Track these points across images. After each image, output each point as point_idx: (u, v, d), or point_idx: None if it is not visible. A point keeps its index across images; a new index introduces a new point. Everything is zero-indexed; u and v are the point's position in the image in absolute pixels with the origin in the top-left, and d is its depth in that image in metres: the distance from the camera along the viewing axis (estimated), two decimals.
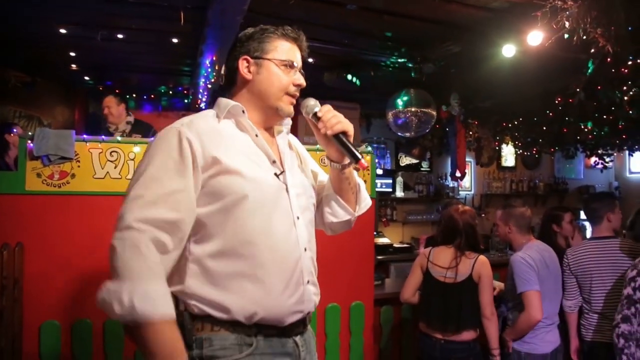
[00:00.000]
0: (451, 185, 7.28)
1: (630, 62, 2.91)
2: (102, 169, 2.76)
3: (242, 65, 1.50)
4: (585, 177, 8.73)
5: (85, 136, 2.74)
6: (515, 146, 6.68)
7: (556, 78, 3.82)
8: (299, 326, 1.50)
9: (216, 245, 1.38)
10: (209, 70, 3.87)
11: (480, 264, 2.81)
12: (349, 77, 4.43)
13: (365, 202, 1.73)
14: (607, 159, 6.40)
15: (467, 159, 6.40)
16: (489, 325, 2.78)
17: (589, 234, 3.76)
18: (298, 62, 1.54)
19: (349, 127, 1.52)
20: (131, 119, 4.12)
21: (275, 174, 1.49)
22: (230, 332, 1.37)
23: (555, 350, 2.92)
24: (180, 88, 5.57)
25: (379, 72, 4.60)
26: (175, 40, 3.86)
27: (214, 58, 3.60)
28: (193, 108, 5.62)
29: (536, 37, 2.96)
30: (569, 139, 5.79)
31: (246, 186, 1.39)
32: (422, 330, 2.89)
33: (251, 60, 1.50)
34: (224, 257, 1.38)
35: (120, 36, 3.89)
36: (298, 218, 1.50)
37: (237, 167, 1.39)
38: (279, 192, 1.47)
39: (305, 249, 1.51)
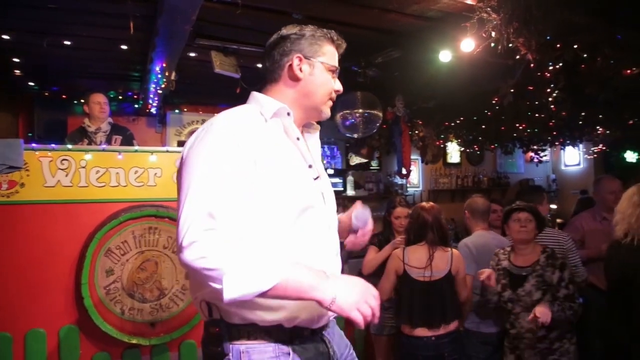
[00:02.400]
0: (400, 182, 7.56)
1: (551, 67, 3.20)
2: (53, 177, 2.78)
3: (296, 62, 1.47)
4: (526, 171, 9.24)
5: (34, 145, 2.75)
6: (458, 144, 7.04)
7: (489, 81, 4.11)
8: (326, 324, 1.52)
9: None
10: (159, 76, 3.91)
11: (456, 259, 2.93)
12: None
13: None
14: (542, 154, 6.86)
15: (413, 157, 6.69)
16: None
17: None
18: (338, 69, 1.56)
19: None
20: (111, 120, 4.08)
21: (314, 179, 1.50)
22: (267, 342, 1.36)
23: (500, 332, 3.12)
24: (130, 93, 5.53)
25: None
26: (124, 47, 3.87)
27: (164, 65, 3.65)
28: (143, 113, 5.60)
29: (468, 44, 3.19)
30: (506, 136, 6.19)
31: (297, 193, 1.40)
32: (408, 333, 2.88)
33: (304, 60, 1.48)
34: None
35: (67, 43, 3.86)
36: (332, 225, 1.55)
37: (288, 176, 1.39)
38: (318, 197, 1.49)
39: (337, 254, 1.55)
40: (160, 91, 4.35)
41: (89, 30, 3.62)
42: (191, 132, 5.95)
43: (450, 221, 7.20)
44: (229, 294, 1.18)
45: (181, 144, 4.97)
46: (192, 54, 3.84)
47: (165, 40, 3.12)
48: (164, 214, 2.88)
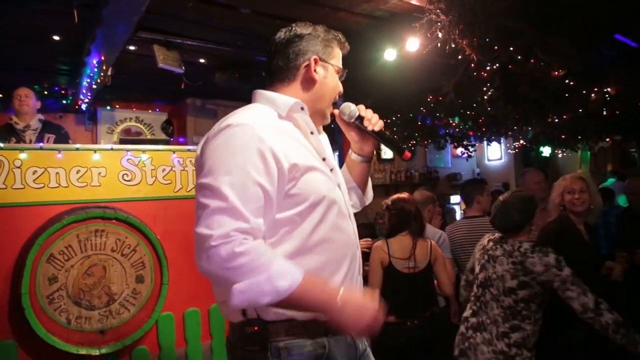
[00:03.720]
0: None
1: (488, 68, 3.41)
2: None
3: (314, 64, 1.46)
4: (453, 165, 9.74)
5: None
6: None
7: (430, 79, 4.28)
8: None
9: (294, 245, 1.36)
10: (95, 70, 3.67)
11: (435, 248, 3.00)
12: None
13: (371, 193, 1.80)
14: (471, 149, 7.28)
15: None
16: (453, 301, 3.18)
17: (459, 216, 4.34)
18: (345, 72, 1.57)
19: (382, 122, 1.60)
20: (42, 117, 3.76)
21: (330, 171, 1.50)
22: (305, 337, 1.37)
23: None
24: (56, 88, 5.13)
25: None
26: (56, 38, 3.60)
27: (102, 58, 3.44)
28: (71, 109, 5.25)
29: (414, 43, 3.31)
30: (439, 132, 6.49)
31: (322, 187, 1.40)
32: (391, 321, 2.86)
33: (319, 62, 1.47)
34: (301, 255, 1.36)
35: None
36: (350, 214, 1.54)
37: (313, 170, 1.39)
38: (336, 189, 1.49)
39: (358, 245, 1.56)
40: (95, 86, 4.08)
41: (17, 19, 3.33)
42: (125, 130, 5.68)
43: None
44: (236, 302, 1.22)
45: (124, 141, 4.71)
46: (132, 47, 3.65)
47: (108, 30, 2.94)
48: (112, 216, 2.74)
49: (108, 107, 5.61)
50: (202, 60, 4.10)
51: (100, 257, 2.72)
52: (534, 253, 2.47)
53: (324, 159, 1.49)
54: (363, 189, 1.73)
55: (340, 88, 1.57)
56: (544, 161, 8.91)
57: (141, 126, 5.87)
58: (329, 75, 1.50)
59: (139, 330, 2.76)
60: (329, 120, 1.56)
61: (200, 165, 1.35)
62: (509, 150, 8.91)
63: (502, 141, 8.06)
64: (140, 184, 2.93)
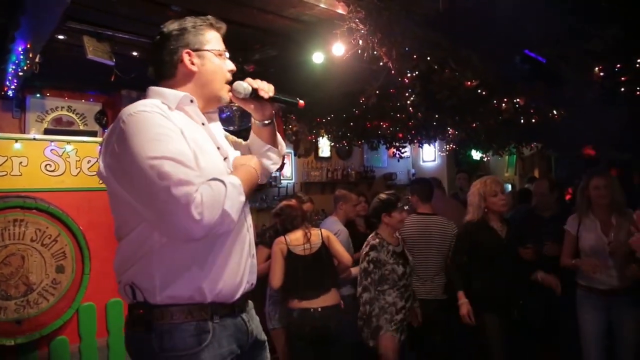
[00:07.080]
0: (274, 174, 7.80)
1: (409, 75, 3.65)
2: None
3: (186, 58, 1.55)
4: (389, 165, 10.08)
5: None
6: (328, 139, 7.50)
7: (357, 82, 4.49)
8: (245, 302, 1.63)
9: None
10: (22, 57, 3.60)
11: (325, 232, 3.50)
12: None
13: (283, 144, 1.93)
14: (403, 150, 7.61)
15: (286, 151, 6.97)
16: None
17: None
18: (226, 50, 1.64)
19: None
20: None
21: (223, 160, 1.59)
22: (189, 321, 1.43)
23: None
24: None
25: None
26: None
27: (28, 46, 3.38)
28: None
29: (339, 48, 3.49)
30: (371, 133, 6.75)
31: (208, 173, 1.43)
32: (296, 307, 3.30)
33: (193, 53, 1.55)
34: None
35: None
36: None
37: (197, 159, 1.43)
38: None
39: (249, 226, 1.66)
40: (21, 73, 3.99)
41: None
42: (56, 119, 5.54)
43: (320, 212, 7.65)
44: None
45: (49, 131, 4.57)
46: (61, 37, 3.61)
47: (33, 20, 2.91)
48: (32, 205, 2.75)
49: (38, 95, 5.41)
50: (134, 53, 4.11)
51: (19, 247, 2.73)
52: (370, 242, 3.30)
53: (218, 148, 1.61)
54: (277, 146, 1.85)
55: (228, 67, 1.64)
56: (474, 164, 9.41)
57: (73, 116, 5.73)
58: (206, 62, 1.58)
59: (58, 320, 2.80)
60: (227, 100, 1.64)
61: (117, 160, 1.42)
62: (440, 153, 9.35)
63: (434, 144, 8.46)
64: (64, 175, 2.96)
